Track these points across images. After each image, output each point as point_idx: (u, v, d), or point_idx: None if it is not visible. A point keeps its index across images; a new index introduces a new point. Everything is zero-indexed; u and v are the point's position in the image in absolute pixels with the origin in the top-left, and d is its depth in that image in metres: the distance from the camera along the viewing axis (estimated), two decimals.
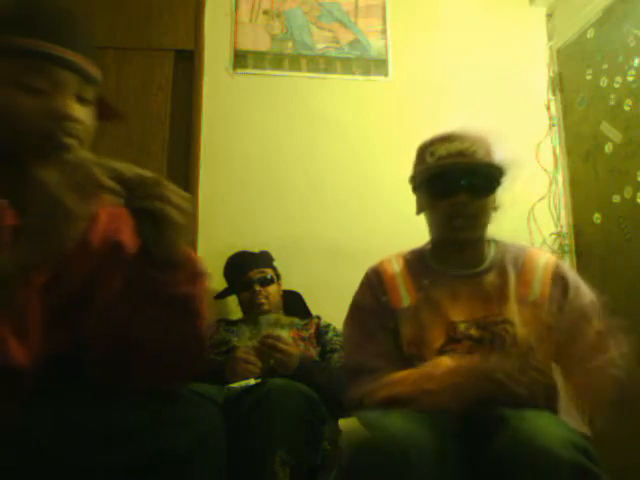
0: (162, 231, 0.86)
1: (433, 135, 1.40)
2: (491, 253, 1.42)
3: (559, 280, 1.36)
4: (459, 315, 1.32)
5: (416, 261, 1.45)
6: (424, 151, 1.40)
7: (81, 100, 0.94)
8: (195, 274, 0.91)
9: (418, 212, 1.45)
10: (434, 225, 1.42)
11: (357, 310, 1.43)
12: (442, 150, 1.35)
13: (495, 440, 1.03)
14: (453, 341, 1.31)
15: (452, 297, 1.35)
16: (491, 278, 1.37)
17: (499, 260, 1.40)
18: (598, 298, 1.34)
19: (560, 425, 1.05)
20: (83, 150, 0.92)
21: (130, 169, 0.83)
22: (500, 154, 1.40)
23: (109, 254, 1.00)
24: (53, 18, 0.93)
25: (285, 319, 2.08)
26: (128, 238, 1.01)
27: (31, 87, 0.89)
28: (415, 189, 1.45)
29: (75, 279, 0.96)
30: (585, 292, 1.36)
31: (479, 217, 1.36)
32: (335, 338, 2.04)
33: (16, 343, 0.86)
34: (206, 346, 1.02)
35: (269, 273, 2.16)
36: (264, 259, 2.22)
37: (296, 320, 2.13)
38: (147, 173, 0.85)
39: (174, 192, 0.85)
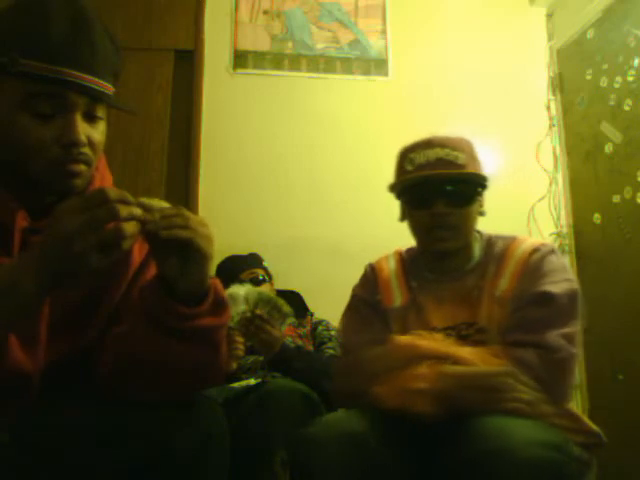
0: (189, 263, 0.83)
1: (414, 141, 1.35)
2: (476, 253, 1.35)
3: (531, 269, 1.25)
4: (441, 321, 1.28)
5: (411, 262, 1.42)
6: (404, 158, 1.35)
7: (91, 117, 0.90)
8: (218, 304, 0.88)
9: (401, 219, 1.41)
10: (417, 235, 1.38)
11: (355, 300, 1.42)
12: (421, 158, 1.30)
13: (461, 442, 1.01)
14: None
15: (436, 301, 1.31)
16: (473, 279, 1.31)
17: (483, 258, 1.34)
18: (574, 294, 1.21)
19: (530, 425, 1.00)
20: (111, 187, 0.89)
21: (149, 202, 0.79)
22: (484, 158, 1.35)
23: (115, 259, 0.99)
24: (65, 37, 0.86)
25: (278, 300, 2.02)
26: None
27: (41, 112, 0.86)
28: (396, 197, 1.42)
29: (82, 285, 0.94)
30: (557, 281, 1.22)
31: (460, 227, 1.30)
32: (325, 332, 2.06)
33: (20, 350, 0.85)
34: (224, 371, 0.99)
35: (260, 273, 2.17)
36: (254, 260, 2.23)
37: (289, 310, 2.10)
38: (164, 203, 0.81)
39: (197, 221, 0.82)
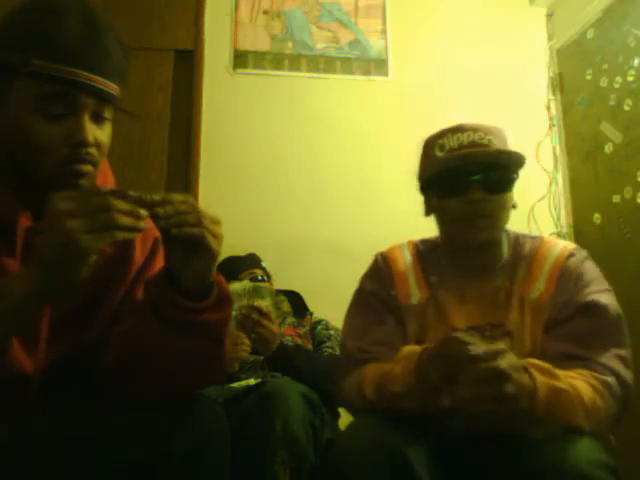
0: (197, 259, 0.84)
1: (441, 128, 1.27)
2: (505, 251, 1.27)
3: (571, 275, 1.18)
4: (464, 321, 1.20)
5: (428, 254, 1.32)
6: (432, 145, 1.26)
7: (98, 118, 0.91)
8: (222, 299, 0.89)
9: (427, 213, 1.30)
10: (448, 227, 1.27)
11: (363, 295, 1.32)
12: (453, 142, 1.22)
13: (522, 460, 0.97)
14: None
15: (460, 300, 1.23)
16: (500, 279, 1.23)
17: (512, 257, 1.26)
18: (617, 306, 1.16)
19: (590, 446, 0.98)
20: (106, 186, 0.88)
21: (160, 195, 0.80)
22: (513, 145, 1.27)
23: (116, 257, 0.98)
24: (77, 39, 0.87)
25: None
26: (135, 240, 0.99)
27: (52, 113, 0.86)
28: (423, 189, 1.30)
29: (82, 285, 0.95)
30: (601, 290, 1.18)
31: (498, 215, 1.21)
32: (324, 332, 2.05)
33: (21, 350, 0.85)
34: (226, 366, 0.99)
35: (259, 273, 2.17)
36: (253, 261, 2.23)
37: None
38: (178, 196, 0.82)
39: (209, 217, 0.83)
